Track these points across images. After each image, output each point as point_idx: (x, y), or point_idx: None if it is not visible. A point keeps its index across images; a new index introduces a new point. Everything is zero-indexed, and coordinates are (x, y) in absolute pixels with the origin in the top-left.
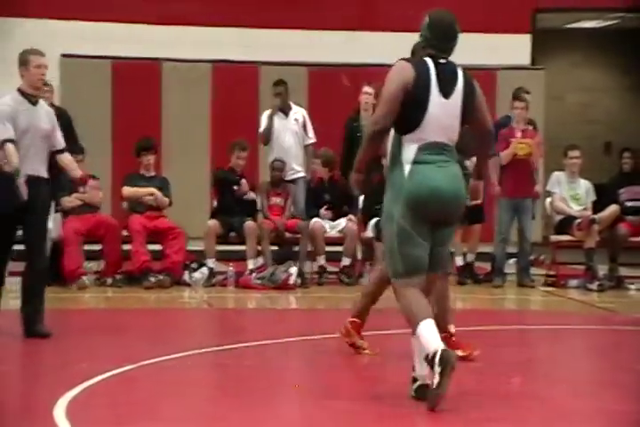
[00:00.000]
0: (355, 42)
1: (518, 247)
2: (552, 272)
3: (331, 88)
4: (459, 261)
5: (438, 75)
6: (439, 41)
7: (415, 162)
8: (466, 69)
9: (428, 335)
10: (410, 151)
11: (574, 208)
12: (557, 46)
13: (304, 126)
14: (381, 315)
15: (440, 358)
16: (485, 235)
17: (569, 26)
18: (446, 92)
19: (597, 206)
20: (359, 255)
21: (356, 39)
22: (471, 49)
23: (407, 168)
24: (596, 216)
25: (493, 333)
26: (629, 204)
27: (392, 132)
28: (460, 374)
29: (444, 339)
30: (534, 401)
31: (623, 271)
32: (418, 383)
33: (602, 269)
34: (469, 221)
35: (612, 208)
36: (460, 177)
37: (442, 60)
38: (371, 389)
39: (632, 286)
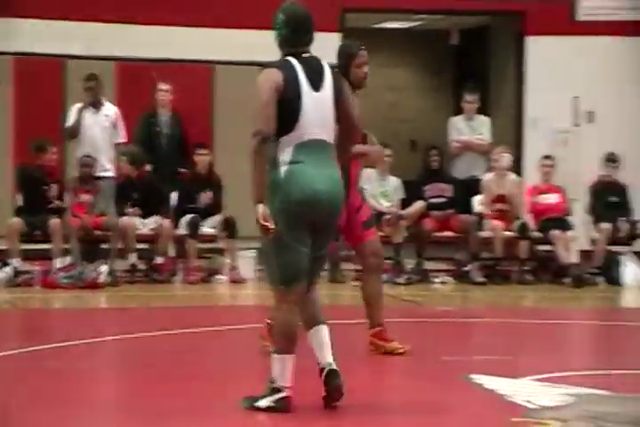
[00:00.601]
0: (168, 37)
1: None
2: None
3: (139, 84)
4: None
5: (305, 69)
6: (299, 36)
7: (292, 162)
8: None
9: (282, 370)
10: (287, 152)
11: (384, 204)
12: (366, 46)
13: (115, 124)
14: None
15: (277, 400)
16: None
17: (376, 26)
18: (316, 85)
19: (405, 203)
20: (171, 253)
21: (170, 34)
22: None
23: (283, 169)
24: (403, 212)
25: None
26: (433, 200)
27: None
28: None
29: (378, 333)
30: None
31: (428, 265)
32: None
33: (409, 264)
34: None
35: (418, 204)
36: (338, 177)
37: (305, 55)
38: (181, 387)
39: (437, 280)
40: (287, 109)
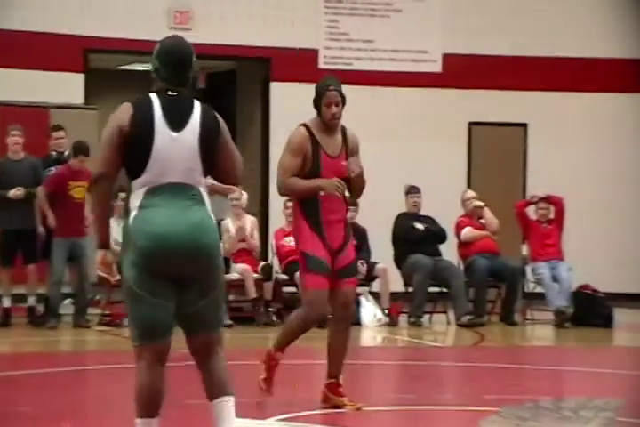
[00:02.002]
0: None
1: (77, 288)
2: (107, 311)
3: None
4: (5, 302)
5: (165, 108)
6: (168, 71)
7: (141, 207)
8: (210, 108)
9: None
10: (137, 196)
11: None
12: (111, 87)
13: None
14: None
15: None
16: (42, 275)
17: (122, 67)
18: (177, 125)
19: None
20: None
21: None
22: (27, 86)
23: (132, 215)
24: None
25: (49, 375)
26: None
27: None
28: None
29: (330, 386)
30: None
31: None
32: None
33: None
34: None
35: None
36: (205, 224)
37: (172, 93)
38: None
39: None
40: (135, 151)
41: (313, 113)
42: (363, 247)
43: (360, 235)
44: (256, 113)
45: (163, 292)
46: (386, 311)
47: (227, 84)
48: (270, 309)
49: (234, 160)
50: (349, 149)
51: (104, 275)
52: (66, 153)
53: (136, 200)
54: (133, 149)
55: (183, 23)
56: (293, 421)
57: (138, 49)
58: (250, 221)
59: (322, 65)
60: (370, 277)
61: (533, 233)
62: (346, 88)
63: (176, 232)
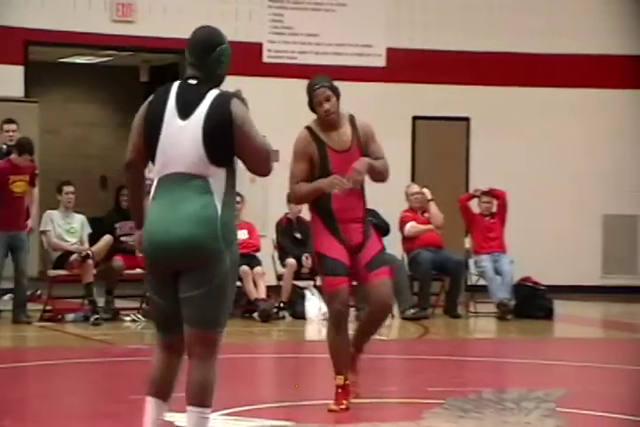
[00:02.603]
0: None
1: (14, 282)
2: (49, 307)
3: None
4: None
5: (178, 96)
6: (190, 58)
7: (152, 198)
8: (229, 96)
9: (147, 414)
10: (153, 186)
11: (71, 241)
12: (52, 80)
13: None
14: None
15: None
16: None
17: (63, 60)
18: (185, 113)
19: (93, 240)
20: None
21: None
22: None
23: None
24: (89, 251)
25: None
26: (124, 238)
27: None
28: None
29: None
30: None
31: (119, 303)
32: None
33: (99, 302)
34: None
35: (106, 240)
36: (198, 215)
37: (191, 81)
38: None
39: (127, 318)
40: (148, 139)
41: (256, 107)
42: (308, 241)
43: (305, 228)
44: None
45: (161, 289)
46: None
47: (170, 78)
48: None
49: (255, 151)
50: (362, 139)
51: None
52: (4, 146)
53: (152, 191)
54: (147, 137)
55: (126, 15)
56: (236, 415)
57: (79, 41)
58: None
59: (266, 59)
60: (315, 271)
61: (476, 226)
62: (289, 82)
63: (161, 225)
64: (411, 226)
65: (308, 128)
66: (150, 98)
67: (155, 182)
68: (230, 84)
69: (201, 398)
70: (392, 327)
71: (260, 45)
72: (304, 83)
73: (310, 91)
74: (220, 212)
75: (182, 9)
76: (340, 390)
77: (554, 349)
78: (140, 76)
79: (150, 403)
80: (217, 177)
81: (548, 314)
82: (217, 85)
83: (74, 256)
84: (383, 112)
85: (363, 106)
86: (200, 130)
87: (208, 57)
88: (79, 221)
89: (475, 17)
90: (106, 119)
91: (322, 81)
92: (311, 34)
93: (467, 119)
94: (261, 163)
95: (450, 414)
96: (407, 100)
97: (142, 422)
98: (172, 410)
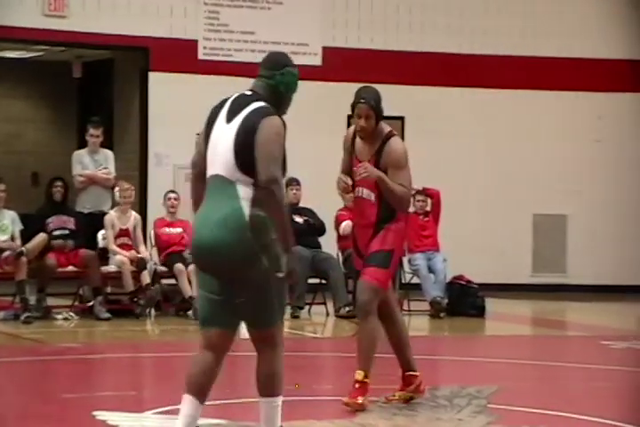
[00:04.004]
0: None
1: None
2: None
3: None
4: None
5: (232, 103)
6: (260, 71)
7: (204, 200)
8: (268, 109)
9: (182, 411)
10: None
11: (1, 238)
12: None
13: None
14: None
15: None
16: None
17: None
18: (230, 116)
19: (25, 236)
20: None
21: None
22: None
23: None
24: (23, 248)
25: None
26: (57, 232)
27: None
28: None
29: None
30: None
31: (51, 301)
32: None
33: (30, 300)
34: None
35: (40, 237)
36: (229, 217)
37: (247, 92)
38: None
39: (59, 316)
40: (205, 141)
41: (192, 105)
42: None
43: None
44: (134, 103)
45: (210, 286)
46: None
47: (104, 74)
48: (139, 299)
49: (261, 158)
50: (381, 161)
51: None
52: None
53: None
54: (204, 139)
55: (58, 10)
56: (170, 414)
57: (10, 36)
58: (134, 218)
59: (201, 56)
60: None
61: (411, 225)
62: (225, 80)
63: (202, 231)
64: (346, 224)
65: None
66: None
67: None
68: (166, 80)
69: (271, 388)
70: (327, 325)
71: (195, 42)
72: (240, 80)
73: (355, 101)
74: (247, 217)
75: (116, 4)
76: (357, 386)
77: (486, 346)
78: (72, 72)
79: (187, 401)
80: (245, 183)
81: (480, 312)
82: (277, 105)
83: (5, 253)
84: (319, 111)
85: (298, 104)
86: (234, 133)
87: (276, 71)
88: (10, 217)
89: (409, 17)
90: (38, 115)
91: (369, 97)
92: (247, 31)
93: (401, 118)
94: (263, 170)
95: (384, 411)
96: (343, 99)
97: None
98: (99, 409)
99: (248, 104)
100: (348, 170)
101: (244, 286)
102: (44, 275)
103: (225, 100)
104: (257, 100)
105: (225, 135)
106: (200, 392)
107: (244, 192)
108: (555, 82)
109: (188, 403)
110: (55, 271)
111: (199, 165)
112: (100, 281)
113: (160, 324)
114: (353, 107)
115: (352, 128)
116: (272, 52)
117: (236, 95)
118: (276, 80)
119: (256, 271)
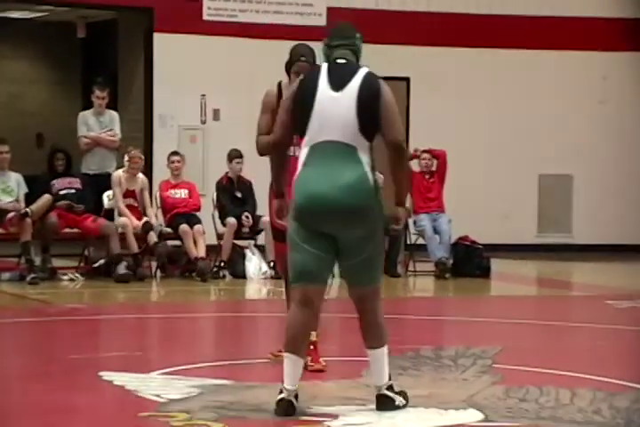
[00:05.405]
0: None
1: None
2: None
3: None
4: None
5: (330, 72)
6: (337, 40)
7: (304, 165)
8: (377, 76)
9: (285, 370)
10: (303, 153)
11: (6, 200)
12: None
13: None
14: None
15: (277, 401)
16: None
17: None
18: (338, 85)
19: (30, 198)
20: None
21: None
22: None
23: (298, 172)
24: (28, 209)
25: None
26: (62, 192)
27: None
28: None
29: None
30: None
31: (56, 262)
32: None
33: (35, 261)
34: None
35: (45, 198)
36: (358, 185)
37: (339, 61)
38: None
39: (64, 277)
40: (301, 109)
41: (196, 66)
42: (248, 201)
43: (246, 188)
44: (139, 64)
45: (318, 243)
46: (271, 264)
47: (108, 34)
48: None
49: (390, 123)
50: None
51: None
52: None
53: (302, 158)
54: (300, 108)
55: None
56: (175, 375)
57: None
58: (142, 181)
59: (206, 17)
60: (255, 231)
61: (416, 186)
62: (229, 40)
63: (329, 193)
64: None
65: (279, 85)
66: (299, 81)
67: (306, 150)
68: (170, 41)
69: (379, 340)
70: (331, 286)
71: (200, 3)
72: (244, 41)
73: (294, 58)
74: (372, 183)
75: None
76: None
77: (491, 306)
78: (77, 32)
79: (289, 359)
80: (364, 148)
81: (485, 272)
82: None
83: (10, 214)
84: None
85: None
86: (354, 101)
87: (354, 38)
88: (15, 180)
89: None
90: (42, 76)
91: (309, 54)
92: None
93: (407, 79)
94: (393, 132)
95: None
96: None
97: (282, 375)
98: (105, 370)
99: (354, 71)
100: (270, 130)
101: (363, 246)
102: (46, 234)
103: (314, 73)
104: (359, 67)
105: (339, 103)
106: (300, 349)
107: (365, 158)
108: (559, 40)
109: (290, 361)
110: (57, 230)
111: (285, 143)
112: (120, 248)
113: (165, 285)
114: (289, 64)
115: (275, 87)
116: (338, 22)
117: (326, 65)
118: (357, 46)
119: (376, 234)
